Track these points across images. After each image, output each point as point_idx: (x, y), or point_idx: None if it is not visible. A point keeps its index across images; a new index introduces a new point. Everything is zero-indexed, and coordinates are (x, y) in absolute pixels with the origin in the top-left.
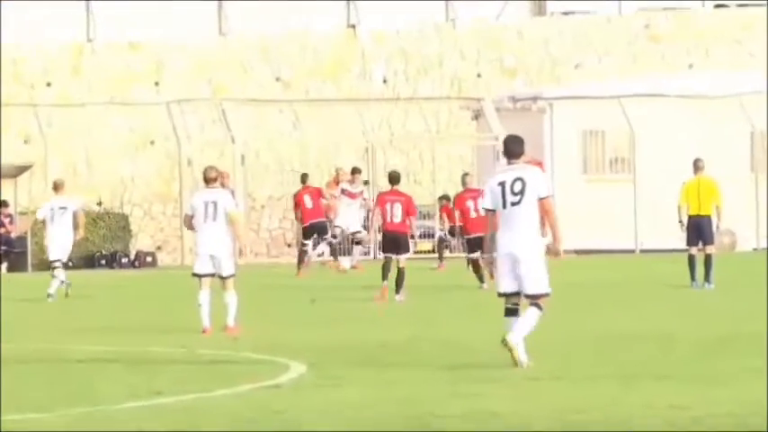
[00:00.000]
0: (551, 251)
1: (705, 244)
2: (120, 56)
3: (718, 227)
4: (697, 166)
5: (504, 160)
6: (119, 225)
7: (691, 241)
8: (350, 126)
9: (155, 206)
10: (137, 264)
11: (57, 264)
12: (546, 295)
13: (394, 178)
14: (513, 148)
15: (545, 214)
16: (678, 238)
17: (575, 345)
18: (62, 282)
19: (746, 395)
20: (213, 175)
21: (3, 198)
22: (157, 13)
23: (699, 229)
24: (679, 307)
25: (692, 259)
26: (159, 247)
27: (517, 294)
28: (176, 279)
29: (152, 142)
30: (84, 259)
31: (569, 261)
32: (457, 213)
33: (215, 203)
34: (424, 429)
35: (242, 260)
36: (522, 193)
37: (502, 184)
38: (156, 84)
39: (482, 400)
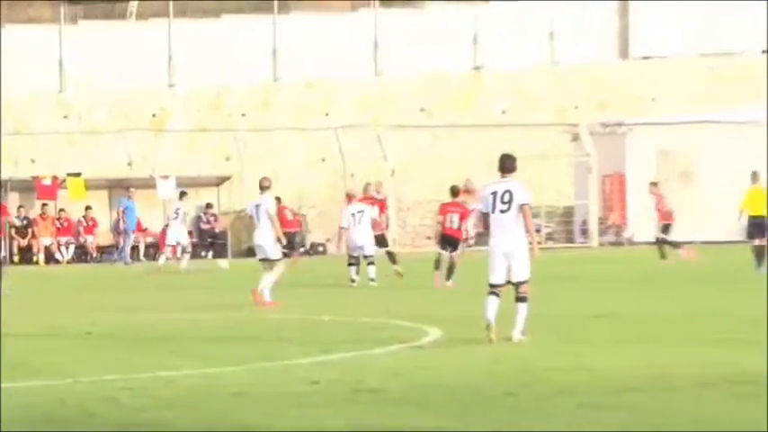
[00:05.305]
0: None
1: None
2: (298, 93)
3: None
4: (754, 177)
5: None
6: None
7: (751, 236)
8: (476, 146)
9: (326, 208)
10: (311, 252)
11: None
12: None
13: (454, 192)
14: (507, 163)
15: (525, 218)
16: (736, 233)
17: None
18: None
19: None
20: (266, 184)
21: (208, 201)
22: (327, 58)
23: (758, 226)
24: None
25: (756, 249)
26: (329, 240)
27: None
28: (339, 265)
29: (323, 160)
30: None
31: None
32: (440, 218)
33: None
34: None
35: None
36: (510, 201)
37: (494, 194)
38: (327, 114)
39: (579, 359)
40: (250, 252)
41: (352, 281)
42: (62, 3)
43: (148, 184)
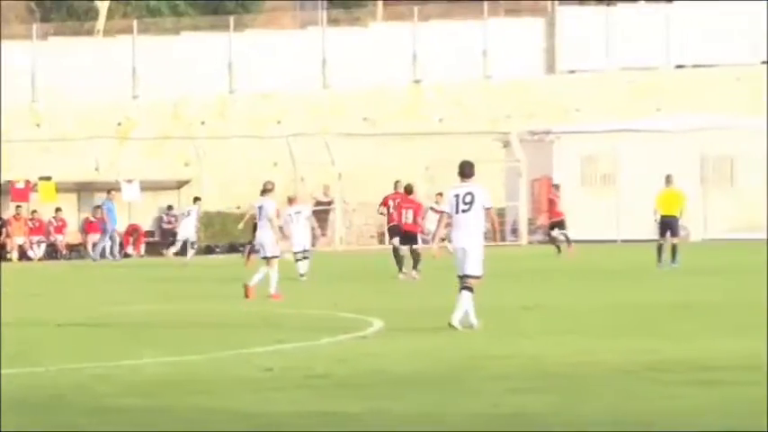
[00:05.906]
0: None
1: (672, 236)
2: (253, 103)
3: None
4: (668, 180)
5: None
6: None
7: (662, 234)
8: (416, 152)
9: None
10: None
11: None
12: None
13: (408, 190)
14: (466, 169)
15: (491, 219)
16: (651, 232)
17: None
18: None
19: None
20: (269, 187)
21: (169, 203)
22: (279, 72)
23: (668, 225)
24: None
25: (660, 247)
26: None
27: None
28: (290, 262)
29: (275, 164)
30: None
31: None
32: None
33: (261, 208)
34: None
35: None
36: (471, 203)
37: (456, 196)
38: (279, 123)
39: (513, 347)
40: (209, 250)
41: (301, 275)
42: (34, 21)
43: (114, 187)
